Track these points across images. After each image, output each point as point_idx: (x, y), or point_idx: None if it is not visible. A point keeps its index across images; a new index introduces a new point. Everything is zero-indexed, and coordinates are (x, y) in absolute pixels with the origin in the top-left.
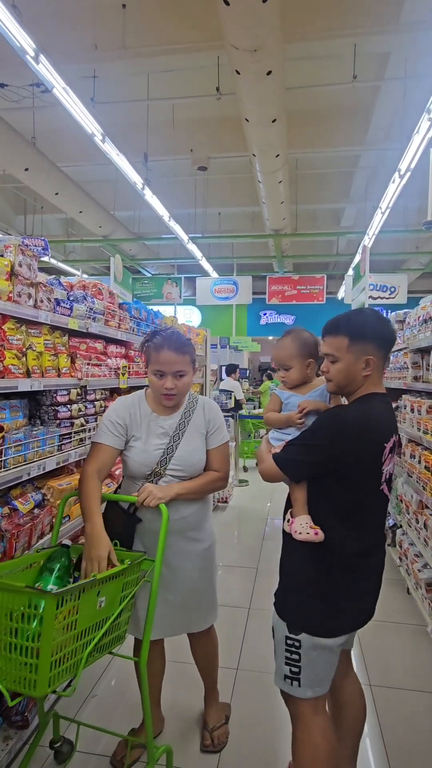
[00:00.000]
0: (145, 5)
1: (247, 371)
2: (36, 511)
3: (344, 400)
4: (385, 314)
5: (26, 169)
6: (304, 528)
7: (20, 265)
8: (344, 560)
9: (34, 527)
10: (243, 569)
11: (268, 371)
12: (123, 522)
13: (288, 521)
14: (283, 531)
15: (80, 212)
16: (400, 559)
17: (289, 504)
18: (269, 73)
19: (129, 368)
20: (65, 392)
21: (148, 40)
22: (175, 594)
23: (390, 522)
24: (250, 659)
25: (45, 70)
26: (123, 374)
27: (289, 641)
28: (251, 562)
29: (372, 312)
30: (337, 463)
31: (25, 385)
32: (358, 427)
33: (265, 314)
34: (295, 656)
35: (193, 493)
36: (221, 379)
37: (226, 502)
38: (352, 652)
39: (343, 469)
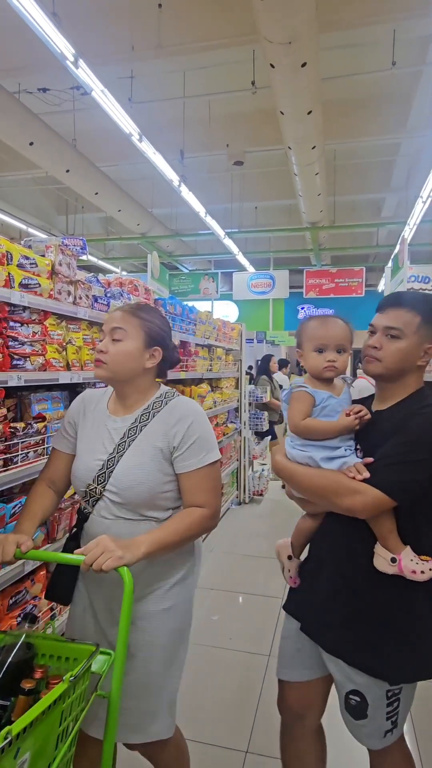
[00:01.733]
0: (180, 4)
1: (288, 364)
2: (76, 496)
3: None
4: None
5: (67, 171)
6: (420, 564)
7: (60, 264)
8: None
9: (74, 512)
10: (272, 560)
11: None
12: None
13: (393, 561)
14: (347, 570)
15: (119, 211)
16: None
17: (360, 535)
18: (304, 65)
19: None
20: (103, 384)
21: (184, 38)
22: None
23: None
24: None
25: (84, 74)
26: None
27: (389, 693)
28: None
29: None
30: None
31: (65, 378)
32: None
33: (302, 308)
34: (396, 704)
35: (171, 546)
36: (259, 375)
37: (261, 495)
38: None
39: None
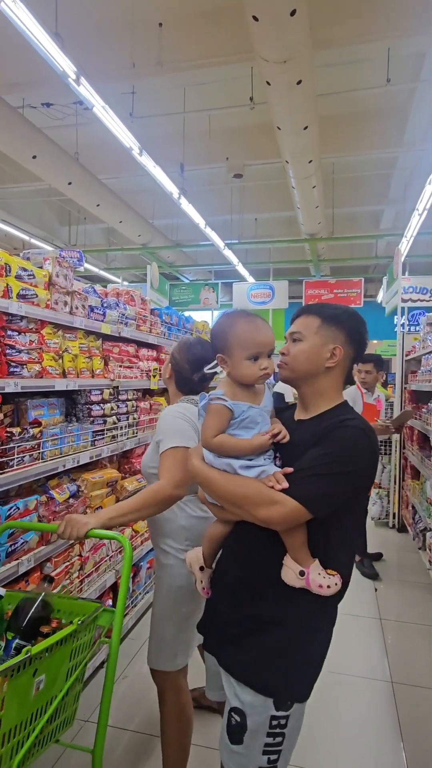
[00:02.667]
0: (180, 23)
1: None
2: (71, 500)
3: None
4: (422, 316)
5: (69, 183)
6: (326, 578)
7: (57, 276)
8: (338, 595)
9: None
10: None
11: None
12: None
13: (301, 574)
14: (247, 578)
15: (120, 222)
16: (430, 562)
17: (269, 544)
18: (299, 82)
19: (160, 370)
20: (98, 392)
21: (184, 55)
22: None
23: (420, 525)
24: None
25: (85, 90)
26: (154, 376)
27: (274, 722)
28: None
29: (351, 308)
30: (357, 487)
31: (61, 385)
32: (375, 442)
33: None
34: (278, 738)
35: (133, 512)
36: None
37: None
38: (374, 649)
39: (356, 493)
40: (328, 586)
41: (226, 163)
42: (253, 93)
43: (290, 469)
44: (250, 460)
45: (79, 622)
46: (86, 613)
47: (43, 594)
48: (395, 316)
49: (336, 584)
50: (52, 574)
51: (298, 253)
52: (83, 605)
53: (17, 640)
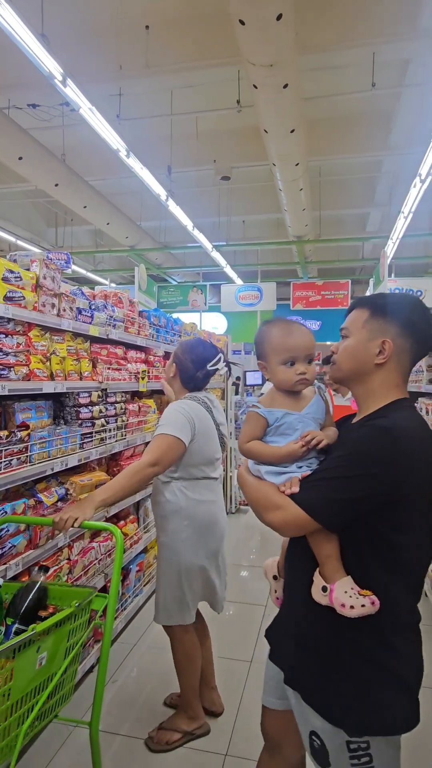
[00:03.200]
0: (167, 26)
1: None
2: (60, 504)
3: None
4: None
5: (56, 185)
6: (354, 599)
7: (44, 278)
8: (397, 621)
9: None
10: (256, 569)
11: None
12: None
13: (324, 590)
14: (300, 595)
15: (108, 224)
16: None
17: (306, 558)
18: (286, 86)
19: (148, 372)
20: (87, 394)
21: (171, 58)
22: None
23: None
24: (263, 653)
25: (72, 92)
26: (143, 378)
27: (353, 746)
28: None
29: (411, 297)
30: (389, 497)
31: (48, 387)
32: (411, 447)
33: None
34: (365, 758)
35: (120, 489)
36: (245, 385)
37: (247, 505)
38: None
39: (395, 504)
40: (352, 606)
41: (214, 166)
42: (240, 96)
43: (307, 473)
44: (286, 466)
45: (77, 604)
46: (81, 597)
47: (40, 581)
48: None
49: (364, 606)
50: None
51: (285, 255)
52: (77, 591)
53: (17, 625)
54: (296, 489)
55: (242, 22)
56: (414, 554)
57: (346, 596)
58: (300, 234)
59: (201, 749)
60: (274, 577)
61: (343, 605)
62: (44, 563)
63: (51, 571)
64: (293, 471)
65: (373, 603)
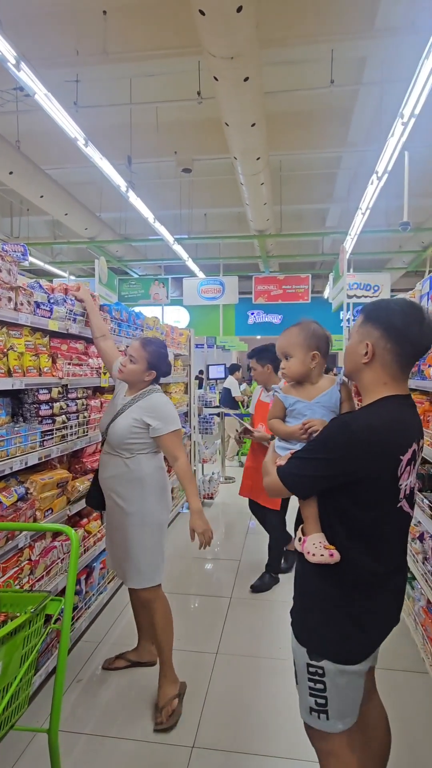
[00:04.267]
0: (125, 12)
1: (240, 369)
2: (19, 503)
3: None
4: None
5: (11, 173)
6: (318, 549)
7: (0, 271)
8: (360, 579)
9: (17, 519)
10: (226, 561)
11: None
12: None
13: (300, 540)
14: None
15: (66, 214)
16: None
17: (300, 519)
18: (246, 79)
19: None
20: (47, 391)
21: (130, 45)
22: (109, 534)
23: None
24: (228, 645)
25: (26, 77)
26: (105, 373)
27: (311, 669)
28: (235, 555)
29: (401, 301)
30: (347, 478)
31: (6, 384)
32: (367, 439)
33: (252, 314)
34: (319, 686)
35: (196, 491)
36: (207, 379)
37: (211, 498)
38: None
39: (354, 485)
40: (314, 554)
41: (175, 157)
42: (201, 87)
43: (295, 449)
44: (293, 444)
45: (32, 610)
46: (34, 603)
47: None
48: (341, 312)
49: (323, 555)
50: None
51: (247, 249)
52: (29, 597)
53: None
54: (282, 462)
55: (202, 13)
56: (376, 528)
57: (312, 546)
58: (261, 228)
59: (167, 743)
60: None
61: (308, 552)
62: (3, 565)
63: (12, 572)
64: (293, 447)
65: (331, 555)
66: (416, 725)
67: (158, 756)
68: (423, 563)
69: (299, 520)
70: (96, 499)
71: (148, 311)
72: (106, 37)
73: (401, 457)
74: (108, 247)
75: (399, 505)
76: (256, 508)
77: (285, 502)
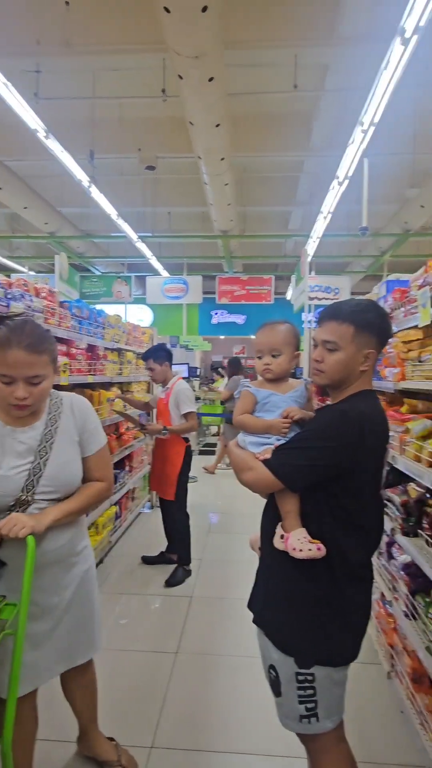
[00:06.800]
0: (88, 4)
1: (198, 370)
2: None
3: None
4: None
5: None
6: (304, 544)
7: None
8: (349, 572)
9: None
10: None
11: (219, 368)
12: None
13: (282, 537)
14: (267, 549)
15: (25, 208)
16: None
17: (273, 516)
18: (211, 79)
19: (70, 365)
20: None
21: (93, 38)
22: (49, 634)
23: None
24: (189, 644)
25: None
26: (64, 371)
27: (300, 677)
28: (196, 554)
29: (374, 303)
30: (343, 466)
31: None
32: (367, 426)
33: (216, 313)
34: (309, 691)
35: (75, 514)
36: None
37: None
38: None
39: (347, 473)
40: (300, 550)
41: (139, 154)
42: (166, 85)
43: (272, 443)
44: (268, 438)
45: None
46: None
47: None
48: (303, 313)
49: (311, 550)
50: None
51: (211, 248)
52: None
53: None
54: (269, 455)
55: (167, 10)
56: (362, 516)
57: (297, 542)
58: (225, 228)
59: (125, 744)
60: (260, 549)
61: (294, 549)
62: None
63: None
64: (269, 441)
65: (318, 549)
66: (369, 714)
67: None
68: (377, 557)
69: (273, 517)
70: None
71: (111, 309)
72: (69, 29)
73: (386, 445)
74: (69, 243)
75: (380, 491)
76: (161, 499)
77: (183, 493)
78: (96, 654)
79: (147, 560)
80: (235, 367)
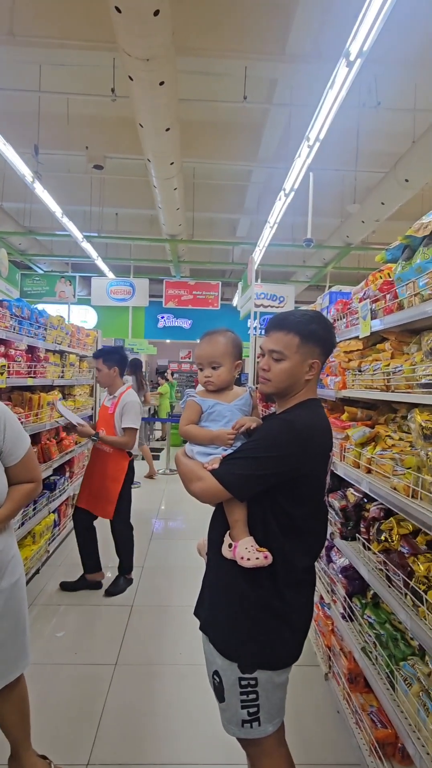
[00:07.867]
0: None
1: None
2: None
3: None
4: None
5: None
6: (252, 552)
7: None
8: (293, 577)
9: None
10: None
11: (164, 373)
12: None
13: (230, 546)
14: (214, 558)
15: None
16: None
17: (220, 525)
18: (162, 83)
19: (9, 367)
20: None
21: (39, 30)
22: None
23: None
24: (128, 655)
25: None
26: (2, 373)
27: (243, 682)
28: (137, 562)
29: (319, 315)
30: (289, 474)
31: None
32: (312, 436)
33: (162, 317)
34: (252, 696)
35: (5, 521)
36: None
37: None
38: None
39: (293, 481)
40: (248, 559)
41: (86, 152)
42: (116, 85)
43: (219, 453)
44: (216, 448)
45: None
46: None
47: None
48: (249, 320)
49: (258, 558)
50: None
51: (159, 252)
52: None
53: None
54: (216, 465)
55: (118, 10)
56: (306, 523)
57: (245, 551)
58: (173, 233)
59: (60, 763)
60: (207, 555)
61: (242, 558)
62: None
63: None
64: (216, 452)
65: (266, 557)
66: (307, 716)
67: None
68: (317, 561)
69: (220, 526)
70: None
71: (53, 309)
72: (14, 18)
73: (330, 453)
74: (10, 239)
75: (324, 499)
76: (81, 515)
77: (125, 505)
78: (26, 669)
79: (66, 587)
80: (135, 369)
